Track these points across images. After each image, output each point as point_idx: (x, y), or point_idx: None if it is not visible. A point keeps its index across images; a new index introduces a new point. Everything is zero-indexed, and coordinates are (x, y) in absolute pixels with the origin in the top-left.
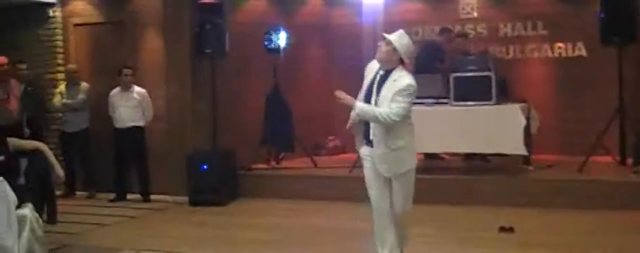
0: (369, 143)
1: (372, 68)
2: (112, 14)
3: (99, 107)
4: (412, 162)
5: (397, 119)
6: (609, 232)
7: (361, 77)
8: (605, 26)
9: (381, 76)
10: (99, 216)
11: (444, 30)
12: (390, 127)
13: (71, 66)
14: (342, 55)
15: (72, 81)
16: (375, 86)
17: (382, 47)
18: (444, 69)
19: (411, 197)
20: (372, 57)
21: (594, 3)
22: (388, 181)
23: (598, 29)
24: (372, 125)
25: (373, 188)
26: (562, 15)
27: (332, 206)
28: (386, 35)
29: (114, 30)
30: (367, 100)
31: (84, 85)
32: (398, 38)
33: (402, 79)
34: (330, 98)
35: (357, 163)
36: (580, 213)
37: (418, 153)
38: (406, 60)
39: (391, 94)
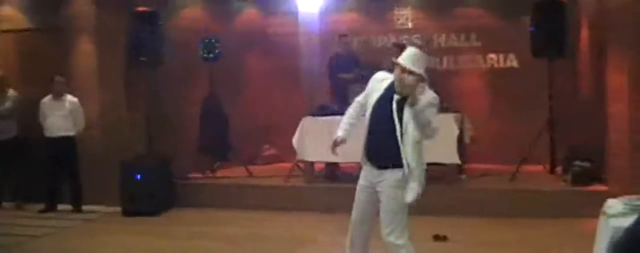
0: (369, 161)
1: (379, 81)
2: (43, 20)
3: (29, 115)
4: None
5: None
6: (541, 239)
7: (297, 84)
8: (537, 39)
9: (399, 101)
10: (28, 227)
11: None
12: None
13: None
14: (280, 64)
15: (0, 88)
16: (395, 113)
17: (407, 78)
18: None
19: (402, 221)
20: (311, 66)
21: (525, 16)
22: (371, 205)
23: (529, 42)
24: (401, 143)
25: (356, 208)
26: (494, 28)
27: (270, 215)
28: (408, 66)
29: (44, 37)
30: (377, 114)
31: (12, 92)
32: (418, 64)
33: (428, 93)
34: (267, 107)
35: (294, 173)
36: (512, 221)
37: (356, 164)
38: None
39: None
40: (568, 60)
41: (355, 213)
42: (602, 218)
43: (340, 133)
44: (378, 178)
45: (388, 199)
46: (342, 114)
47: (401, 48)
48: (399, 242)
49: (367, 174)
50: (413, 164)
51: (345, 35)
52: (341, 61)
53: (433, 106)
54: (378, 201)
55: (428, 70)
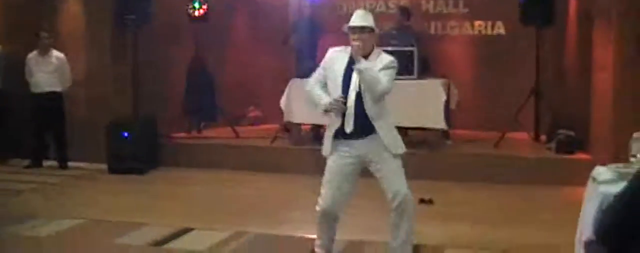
0: (346, 135)
1: (335, 58)
2: None
3: (13, 69)
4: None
5: (388, 92)
6: (524, 205)
7: (284, 47)
8: (526, 7)
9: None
10: (13, 182)
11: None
12: (380, 103)
13: None
14: (268, 25)
15: None
16: (355, 76)
17: (363, 36)
18: None
19: (404, 178)
20: (299, 28)
21: None
22: (352, 178)
23: (518, 9)
24: (367, 106)
25: (333, 185)
26: None
27: (254, 176)
28: (358, 24)
29: None
30: (345, 90)
31: None
32: (367, 19)
33: (384, 56)
34: (253, 69)
35: (278, 135)
36: (496, 186)
37: None
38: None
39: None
40: (556, 29)
41: (333, 195)
42: (591, 185)
43: (325, 99)
44: (365, 149)
45: (389, 162)
46: None
47: (406, 12)
48: (409, 192)
49: (350, 150)
50: (383, 124)
51: None
52: (299, 26)
53: (389, 68)
54: (359, 173)
55: (422, 35)
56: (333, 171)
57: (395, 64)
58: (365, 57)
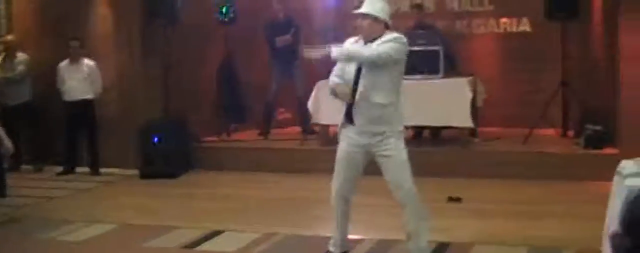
0: (351, 121)
1: (352, 43)
2: None
3: (46, 78)
4: (402, 122)
5: (384, 58)
6: (553, 200)
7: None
8: (550, 2)
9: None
10: (47, 189)
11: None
12: (377, 83)
13: (9, 37)
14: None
15: (10, 53)
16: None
17: (363, 23)
18: None
19: (409, 172)
20: (327, 29)
21: None
22: (361, 165)
23: (542, 5)
24: (361, 87)
25: (339, 169)
26: None
27: (285, 178)
28: (358, 11)
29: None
30: (358, 77)
31: (22, 56)
32: (371, 6)
33: (390, 36)
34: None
35: (306, 136)
36: (525, 183)
37: None
38: (390, 22)
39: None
40: (581, 23)
41: (348, 172)
42: (616, 179)
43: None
44: (371, 139)
45: (397, 153)
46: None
47: (422, 8)
48: (414, 187)
49: (358, 138)
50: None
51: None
52: (278, 28)
53: (388, 42)
54: (367, 161)
55: (443, 33)
56: (340, 157)
57: (401, 40)
58: (374, 40)
